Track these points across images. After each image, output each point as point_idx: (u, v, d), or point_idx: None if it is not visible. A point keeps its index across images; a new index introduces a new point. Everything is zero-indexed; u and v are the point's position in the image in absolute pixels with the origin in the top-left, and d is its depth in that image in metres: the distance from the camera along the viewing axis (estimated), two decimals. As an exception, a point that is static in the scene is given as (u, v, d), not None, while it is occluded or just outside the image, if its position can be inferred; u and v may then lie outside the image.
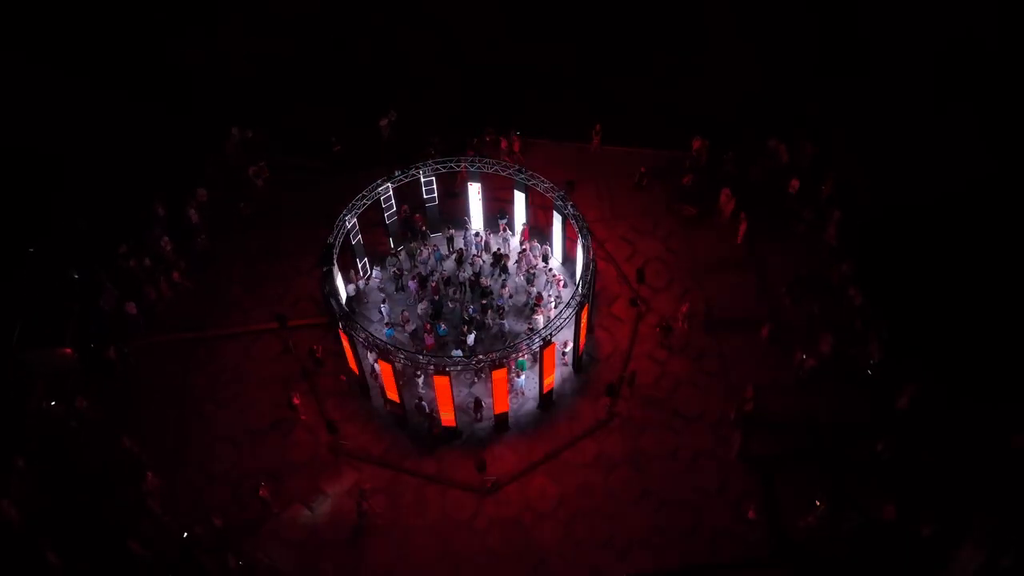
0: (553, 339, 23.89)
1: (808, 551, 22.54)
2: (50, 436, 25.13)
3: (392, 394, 24.63)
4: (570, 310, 24.10)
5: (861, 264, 27.61)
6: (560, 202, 26.41)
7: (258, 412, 25.97)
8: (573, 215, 25.90)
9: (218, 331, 28.01)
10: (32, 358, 26.37)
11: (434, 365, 23.36)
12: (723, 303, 28.14)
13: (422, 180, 27.84)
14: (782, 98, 32.80)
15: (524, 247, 29.05)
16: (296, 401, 25.51)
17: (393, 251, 29.38)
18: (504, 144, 32.19)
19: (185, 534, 22.96)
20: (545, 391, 25.42)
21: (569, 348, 26.22)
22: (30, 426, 25.44)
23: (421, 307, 27.42)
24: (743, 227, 29.31)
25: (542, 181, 26.78)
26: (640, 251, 29.79)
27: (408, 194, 28.66)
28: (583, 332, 25.67)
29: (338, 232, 25.75)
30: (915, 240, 28.00)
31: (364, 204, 26.55)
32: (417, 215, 29.45)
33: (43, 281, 27.95)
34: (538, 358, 24.45)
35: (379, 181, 26.88)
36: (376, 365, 24.74)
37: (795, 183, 29.99)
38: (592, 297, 25.83)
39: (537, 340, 23.74)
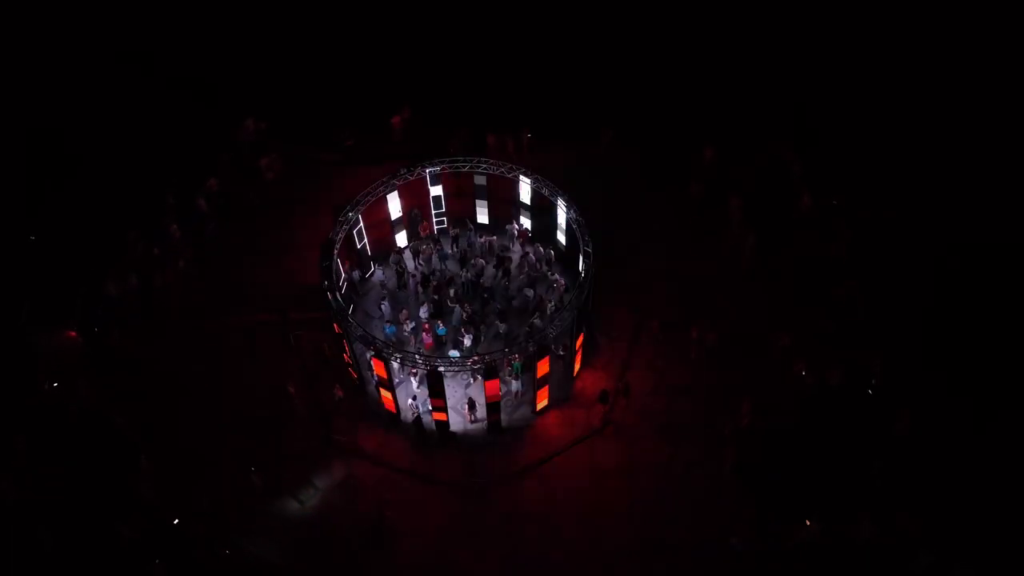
0: (548, 344, 23.84)
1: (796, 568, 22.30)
2: (50, 418, 25.42)
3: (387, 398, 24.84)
4: (567, 315, 23.99)
5: (867, 281, 27.27)
6: (563, 206, 26.31)
7: (255, 402, 26.07)
8: (575, 219, 25.77)
9: (221, 320, 28.21)
10: (37, 339, 26.74)
11: (429, 365, 23.37)
12: (727, 315, 27.83)
13: (428, 179, 27.97)
14: (786, 101, 32.59)
15: (527, 250, 29.01)
16: (292, 391, 25.66)
17: (397, 249, 29.44)
18: (511, 145, 32.21)
19: (176, 520, 23.17)
20: (537, 408, 25.45)
21: (564, 354, 26.10)
22: (33, 407, 25.77)
23: (423, 310, 27.45)
24: (751, 239, 29.02)
25: (547, 184, 26.69)
26: (645, 259, 29.63)
27: (414, 193, 28.64)
28: (580, 338, 25.51)
29: (341, 227, 25.85)
30: (925, 258, 27.66)
31: (368, 201, 26.66)
32: (424, 223, 29.52)
33: (51, 264, 28.36)
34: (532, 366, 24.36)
35: (384, 178, 26.95)
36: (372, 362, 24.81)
37: (806, 199, 29.68)
38: (591, 303, 25.72)
39: (532, 344, 23.65)
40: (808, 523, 22.11)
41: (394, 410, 25.45)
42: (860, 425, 24.62)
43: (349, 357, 25.29)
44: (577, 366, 26.47)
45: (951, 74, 31.10)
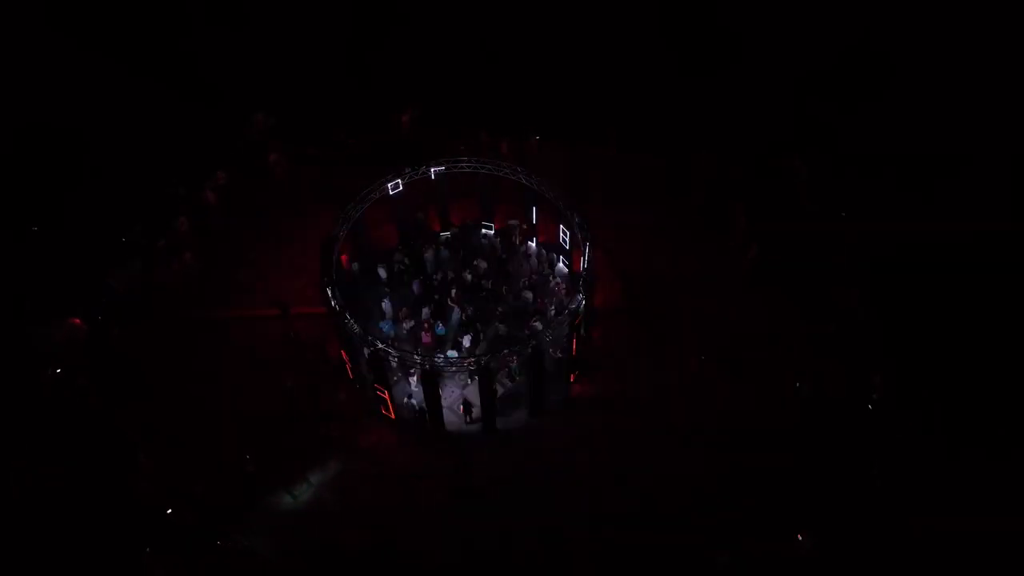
0: (543, 347, 23.77)
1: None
2: (50, 411, 25.60)
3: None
4: (565, 319, 23.92)
5: (871, 290, 27.06)
6: (565, 209, 26.20)
7: (254, 397, 26.16)
8: (577, 223, 25.67)
9: (222, 314, 28.41)
10: (39, 328, 27.00)
11: (428, 365, 23.33)
12: (729, 321, 27.66)
13: (434, 178, 28.00)
14: (795, 109, 32.46)
15: (530, 254, 28.96)
16: (290, 385, 25.81)
17: (400, 247, 29.52)
18: (504, 146, 32.31)
19: (169, 511, 23.35)
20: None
21: (562, 356, 26.02)
22: (34, 400, 25.98)
23: (425, 311, 27.48)
24: (753, 246, 28.83)
25: (550, 187, 26.60)
26: (648, 264, 29.49)
27: (420, 191, 28.71)
28: (575, 341, 25.40)
29: (343, 224, 25.93)
30: (925, 268, 27.42)
31: (372, 198, 26.71)
32: (429, 227, 29.61)
33: (56, 255, 28.69)
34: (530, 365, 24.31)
35: (388, 177, 27.02)
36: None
37: (812, 207, 29.49)
38: (591, 307, 25.64)
39: (528, 347, 23.59)
40: (800, 537, 21.88)
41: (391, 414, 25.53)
42: (860, 432, 24.40)
43: (346, 355, 25.36)
44: (574, 369, 26.36)
45: (957, 79, 30.75)
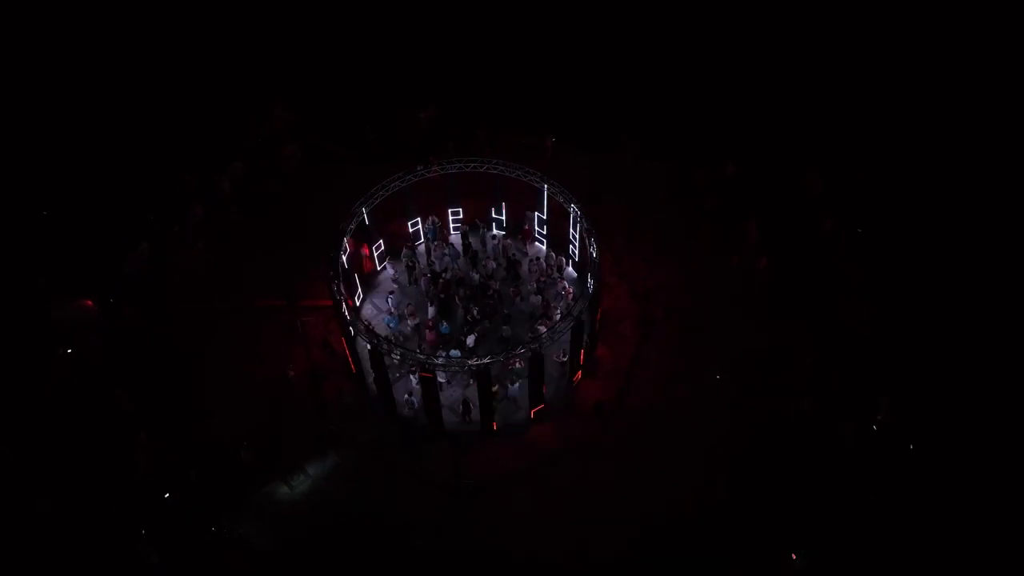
0: (545, 351, 23.64)
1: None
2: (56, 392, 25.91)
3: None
4: (568, 323, 23.78)
5: (881, 308, 26.62)
6: (575, 213, 26.04)
7: (257, 386, 26.34)
8: (586, 228, 25.50)
9: (231, 302, 28.59)
10: (52, 307, 27.42)
11: (428, 363, 23.29)
12: (735, 331, 27.34)
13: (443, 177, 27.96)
14: (812, 121, 32.20)
15: (537, 255, 28.85)
16: (291, 374, 25.91)
17: (409, 245, 29.55)
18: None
19: (167, 495, 23.57)
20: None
21: (566, 360, 25.87)
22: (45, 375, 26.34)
23: (432, 310, 27.48)
24: (763, 261, 28.50)
25: (561, 190, 26.47)
26: (658, 271, 29.26)
27: (426, 191, 28.71)
28: (579, 345, 25.24)
29: (351, 220, 25.99)
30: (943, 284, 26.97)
31: (382, 195, 26.75)
32: (443, 232, 29.63)
33: (72, 237, 29.09)
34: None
35: (399, 174, 27.04)
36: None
37: (828, 222, 29.08)
38: (596, 313, 25.46)
39: (528, 350, 23.46)
40: (794, 557, 21.55)
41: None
42: (862, 453, 24.06)
43: (348, 351, 25.43)
44: (578, 375, 26.20)
45: (957, 79, 30.28)
